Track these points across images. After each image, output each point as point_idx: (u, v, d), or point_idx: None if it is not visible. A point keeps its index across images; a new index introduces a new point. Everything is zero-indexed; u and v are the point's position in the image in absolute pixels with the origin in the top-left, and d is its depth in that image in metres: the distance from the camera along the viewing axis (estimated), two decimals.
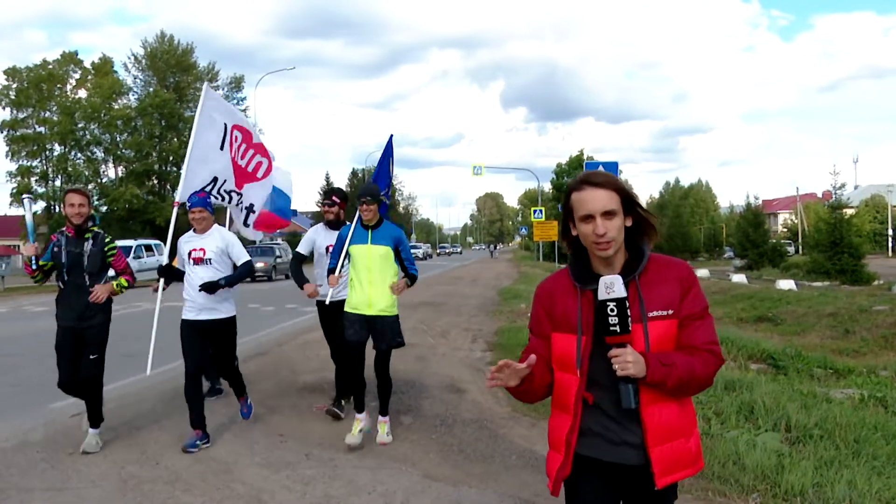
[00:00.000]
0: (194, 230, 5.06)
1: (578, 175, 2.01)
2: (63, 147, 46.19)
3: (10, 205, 43.59)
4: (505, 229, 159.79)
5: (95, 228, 4.87)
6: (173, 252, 5.55)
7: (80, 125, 45.71)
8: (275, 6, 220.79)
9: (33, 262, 4.77)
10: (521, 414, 5.72)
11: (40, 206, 43.39)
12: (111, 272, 4.92)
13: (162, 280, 5.28)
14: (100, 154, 47.60)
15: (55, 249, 4.77)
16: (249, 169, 5.93)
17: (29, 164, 45.47)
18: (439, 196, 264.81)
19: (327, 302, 5.45)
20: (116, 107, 46.16)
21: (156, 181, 48.22)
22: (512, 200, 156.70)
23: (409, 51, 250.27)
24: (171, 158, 47.04)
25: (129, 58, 49.00)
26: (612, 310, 1.86)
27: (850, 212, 31.25)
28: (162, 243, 5.35)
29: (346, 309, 5.00)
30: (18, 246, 27.89)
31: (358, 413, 5.02)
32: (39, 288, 17.58)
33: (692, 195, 72.44)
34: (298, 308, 14.22)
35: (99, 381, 4.88)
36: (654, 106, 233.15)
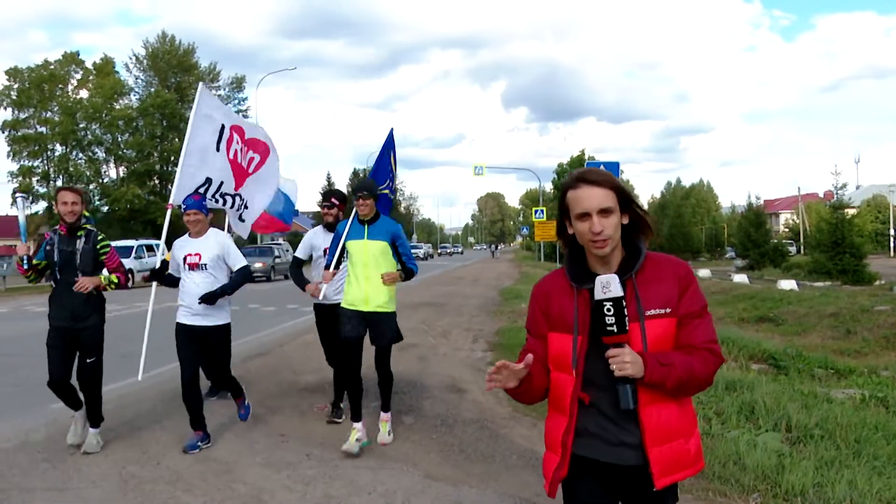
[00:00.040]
0: (189, 233, 4.98)
1: (574, 172, 1.98)
2: (64, 147, 46.30)
3: (11, 205, 43.64)
4: (506, 229, 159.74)
5: (88, 227, 4.81)
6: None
7: (81, 125, 45.81)
8: (275, 7, 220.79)
9: (25, 261, 4.73)
10: (521, 414, 5.72)
11: (41, 206, 43.41)
12: (105, 272, 4.85)
13: (154, 283, 5.18)
14: (101, 154, 47.77)
15: (48, 248, 4.72)
16: (246, 166, 5.83)
17: (30, 164, 45.57)
18: (440, 196, 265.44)
19: (321, 297, 5.34)
20: (118, 107, 46.25)
21: (157, 181, 48.32)
22: (513, 200, 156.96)
23: (409, 51, 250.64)
24: (172, 159, 47.04)
25: (131, 58, 49.18)
26: (608, 309, 1.84)
27: (851, 212, 31.21)
28: (164, 244, 5.35)
29: (343, 305, 4.91)
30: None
31: (355, 422, 4.85)
32: (41, 288, 17.58)
33: (694, 195, 72.38)
34: (299, 308, 14.22)
35: (98, 383, 4.86)
36: (655, 106, 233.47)
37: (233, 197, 5.76)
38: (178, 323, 4.93)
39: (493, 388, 1.96)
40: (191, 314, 4.87)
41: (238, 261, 4.99)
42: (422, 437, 5.22)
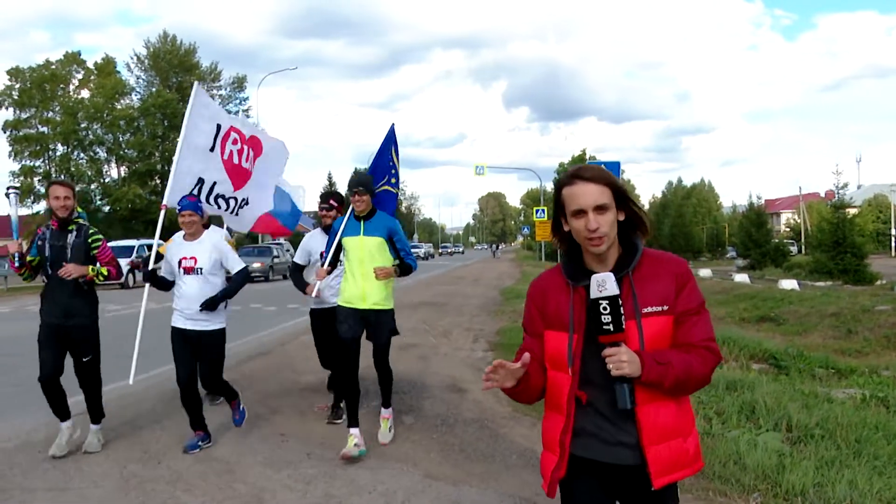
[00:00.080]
0: (184, 235, 4.92)
1: (569, 169, 1.96)
2: (66, 147, 46.38)
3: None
4: (507, 229, 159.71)
5: (80, 221, 4.76)
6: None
7: (82, 125, 45.87)
8: (276, 6, 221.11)
9: (16, 259, 4.67)
10: (521, 414, 5.72)
11: (42, 206, 43.43)
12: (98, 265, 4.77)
13: (147, 286, 5.07)
14: (102, 154, 47.83)
15: (39, 243, 4.68)
16: (247, 166, 5.70)
17: (32, 164, 45.62)
18: (442, 196, 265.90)
19: (314, 294, 5.31)
20: (119, 107, 46.31)
21: (158, 181, 48.28)
22: (514, 200, 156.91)
23: (410, 51, 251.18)
24: (173, 158, 47.13)
25: (132, 58, 49.18)
26: (604, 308, 1.82)
27: (852, 211, 31.13)
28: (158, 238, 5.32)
29: (340, 303, 4.85)
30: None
31: (351, 428, 4.73)
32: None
33: (695, 195, 72.26)
34: (300, 308, 14.22)
35: (97, 382, 4.85)
36: (656, 106, 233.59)
37: (229, 199, 5.62)
38: (173, 327, 4.85)
39: (489, 387, 1.94)
40: (186, 318, 4.80)
41: (236, 264, 4.93)
42: (422, 436, 5.22)
